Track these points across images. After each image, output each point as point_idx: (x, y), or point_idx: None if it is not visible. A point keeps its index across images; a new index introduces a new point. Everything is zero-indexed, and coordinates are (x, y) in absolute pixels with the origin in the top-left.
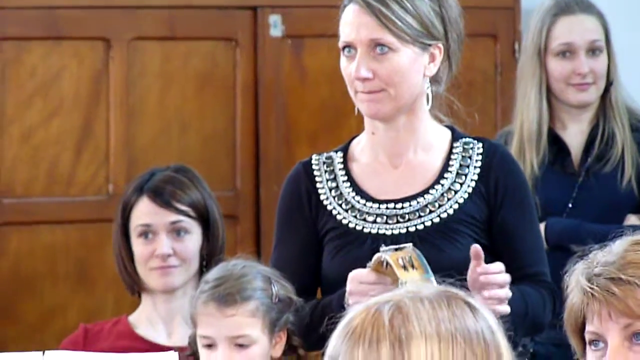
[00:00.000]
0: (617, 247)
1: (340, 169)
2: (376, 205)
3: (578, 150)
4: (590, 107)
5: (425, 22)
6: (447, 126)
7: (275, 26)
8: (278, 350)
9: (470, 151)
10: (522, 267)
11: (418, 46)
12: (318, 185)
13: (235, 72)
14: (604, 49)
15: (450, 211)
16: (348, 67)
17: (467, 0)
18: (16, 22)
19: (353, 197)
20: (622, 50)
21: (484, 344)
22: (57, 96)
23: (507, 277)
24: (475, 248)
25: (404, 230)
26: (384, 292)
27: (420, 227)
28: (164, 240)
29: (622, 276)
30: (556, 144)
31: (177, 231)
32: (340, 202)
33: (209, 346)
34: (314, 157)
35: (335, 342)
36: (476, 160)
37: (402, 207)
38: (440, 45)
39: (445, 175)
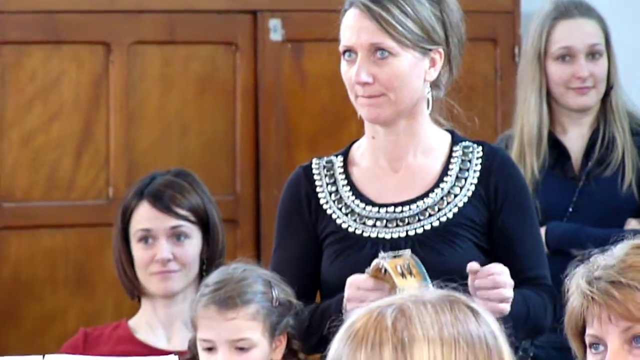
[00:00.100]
0: (618, 250)
1: (340, 173)
2: (376, 209)
3: (578, 154)
4: (590, 111)
5: (426, 26)
6: (447, 130)
7: (275, 30)
8: (278, 354)
9: (470, 155)
10: (522, 271)
11: (419, 51)
12: (318, 189)
13: (235, 76)
14: (604, 53)
15: (450, 215)
16: (348, 72)
17: (467, 4)
18: (16, 26)
19: (353, 201)
20: (623, 53)
21: (487, 349)
22: (57, 100)
23: (507, 278)
24: (471, 266)
25: (403, 234)
26: (381, 299)
27: (420, 230)
28: (164, 245)
29: (622, 280)
30: (556, 148)
31: (177, 236)
32: (340, 206)
33: (209, 349)
34: (314, 161)
35: (337, 345)
36: (476, 164)
37: (402, 211)
38: (441, 50)
39: (445, 179)
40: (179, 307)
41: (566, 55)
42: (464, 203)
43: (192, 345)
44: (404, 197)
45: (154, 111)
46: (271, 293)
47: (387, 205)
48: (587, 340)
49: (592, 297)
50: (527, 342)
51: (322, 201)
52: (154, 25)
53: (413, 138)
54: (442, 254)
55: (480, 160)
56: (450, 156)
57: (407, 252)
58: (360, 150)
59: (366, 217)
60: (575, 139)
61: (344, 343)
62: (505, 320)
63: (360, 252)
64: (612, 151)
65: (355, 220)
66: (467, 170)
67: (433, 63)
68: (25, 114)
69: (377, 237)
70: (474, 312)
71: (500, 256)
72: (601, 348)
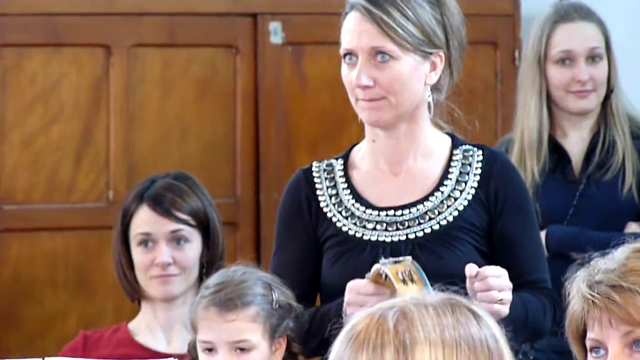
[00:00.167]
0: (618, 254)
1: (340, 176)
2: (376, 212)
3: (579, 157)
4: (590, 115)
5: (427, 30)
6: (447, 133)
7: (276, 33)
8: (278, 357)
9: (470, 158)
10: (522, 274)
11: (419, 54)
12: (318, 192)
13: (235, 79)
14: (604, 56)
15: (450, 218)
16: (349, 75)
17: (468, 7)
18: (16, 28)
19: (353, 205)
20: (623, 56)
21: (488, 352)
22: (57, 103)
23: (505, 281)
24: (469, 270)
25: (403, 238)
26: None
27: (420, 234)
28: (163, 249)
29: (623, 284)
30: (557, 152)
31: (177, 240)
32: (340, 209)
33: (209, 350)
34: (315, 164)
35: (338, 347)
36: (476, 168)
37: (402, 215)
38: (442, 53)
39: (445, 182)
40: (179, 310)
41: (566, 59)
42: (464, 206)
43: (192, 348)
44: (404, 201)
45: (154, 114)
46: (271, 295)
47: (387, 209)
48: (588, 344)
49: (592, 301)
50: (527, 346)
51: (322, 204)
52: (154, 28)
53: (413, 141)
54: (442, 258)
55: (480, 164)
56: (450, 160)
57: (409, 259)
58: (360, 153)
59: (366, 220)
60: (575, 143)
61: (345, 345)
62: (505, 323)
63: (360, 255)
64: (612, 155)
65: (355, 224)
66: (468, 173)
67: (434, 66)
68: (25, 117)
69: (377, 240)
70: (475, 314)
71: (500, 260)
72: (602, 352)
